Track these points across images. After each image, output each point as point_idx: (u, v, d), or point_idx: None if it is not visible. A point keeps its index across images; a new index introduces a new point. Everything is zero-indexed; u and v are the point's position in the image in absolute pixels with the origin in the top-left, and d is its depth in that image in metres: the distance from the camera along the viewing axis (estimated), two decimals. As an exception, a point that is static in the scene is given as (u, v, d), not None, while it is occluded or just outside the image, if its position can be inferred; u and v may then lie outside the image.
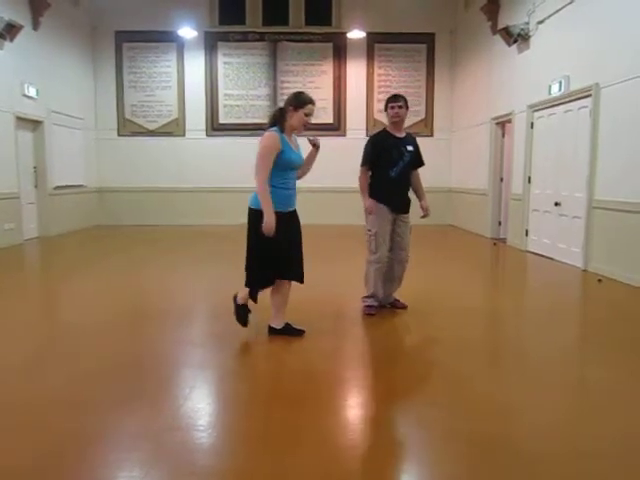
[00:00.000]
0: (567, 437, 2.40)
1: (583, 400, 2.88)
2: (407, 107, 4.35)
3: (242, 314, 3.78)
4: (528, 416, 2.61)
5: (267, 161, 3.45)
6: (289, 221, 3.59)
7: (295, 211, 3.70)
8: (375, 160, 4.33)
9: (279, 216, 3.45)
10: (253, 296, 3.73)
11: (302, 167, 3.74)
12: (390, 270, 4.44)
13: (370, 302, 4.43)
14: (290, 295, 3.76)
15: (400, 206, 4.38)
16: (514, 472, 2.12)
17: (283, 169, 3.52)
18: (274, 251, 3.49)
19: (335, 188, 11.05)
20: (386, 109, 4.37)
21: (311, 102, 3.55)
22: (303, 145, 3.68)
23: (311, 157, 3.75)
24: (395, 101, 4.31)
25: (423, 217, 4.50)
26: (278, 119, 3.56)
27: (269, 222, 3.38)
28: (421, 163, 4.53)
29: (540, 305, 5.02)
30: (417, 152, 4.45)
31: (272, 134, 3.50)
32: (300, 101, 3.53)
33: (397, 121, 4.33)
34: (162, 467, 2.14)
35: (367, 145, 4.42)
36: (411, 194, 4.48)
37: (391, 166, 4.30)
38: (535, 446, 2.29)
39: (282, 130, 3.54)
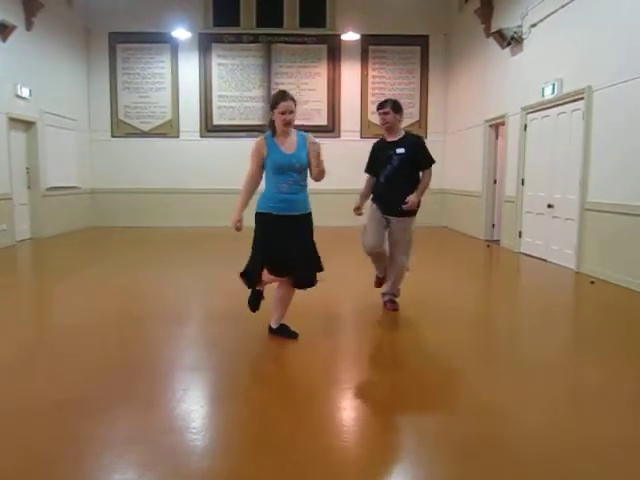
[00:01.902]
0: (559, 438, 2.40)
1: (576, 401, 2.90)
2: (397, 110, 4.30)
3: (253, 299, 3.79)
4: (521, 417, 2.62)
5: (251, 163, 3.63)
6: (278, 223, 3.53)
7: (298, 216, 3.59)
8: (372, 168, 4.45)
9: (265, 217, 3.55)
10: (249, 284, 3.75)
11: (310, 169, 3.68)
12: (387, 269, 4.48)
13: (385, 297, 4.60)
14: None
15: (387, 209, 4.35)
16: (507, 473, 2.12)
17: (273, 172, 3.55)
18: (260, 249, 3.59)
19: (329, 190, 11.00)
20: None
21: (283, 99, 3.49)
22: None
23: (311, 160, 3.60)
24: (381, 107, 4.33)
25: (403, 205, 4.23)
26: (270, 123, 3.62)
27: (233, 218, 3.57)
28: (423, 163, 4.32)
29: (533, 307, 5.04)
30: (413, 153, 4.29)
31: (259, 138, 3.61)
32: (274, 101, 3.54)
33: (387, 127, 4.35)
34: (156, 470, 2.13)
35: (369, 153, 4.54)
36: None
37: (381, 171, 4.35)
38: (528, 447, 2.30)
39: (273, 133, 3.57)
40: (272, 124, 3.58)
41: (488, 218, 9.59)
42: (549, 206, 7.16)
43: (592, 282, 5.79)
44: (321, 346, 3.67)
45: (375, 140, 4.64)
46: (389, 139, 4.39)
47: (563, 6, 6.77)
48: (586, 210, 6.28)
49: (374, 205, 4.43)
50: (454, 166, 11.40)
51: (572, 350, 3.84)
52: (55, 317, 4.75)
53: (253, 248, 3.66)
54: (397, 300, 4.59)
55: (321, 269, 3.68)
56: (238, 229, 3.59)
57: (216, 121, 11.70)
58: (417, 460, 2.27)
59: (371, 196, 4.51)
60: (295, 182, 3.55)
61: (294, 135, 3.60)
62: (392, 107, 4.29)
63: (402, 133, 4.40)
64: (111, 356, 3.46)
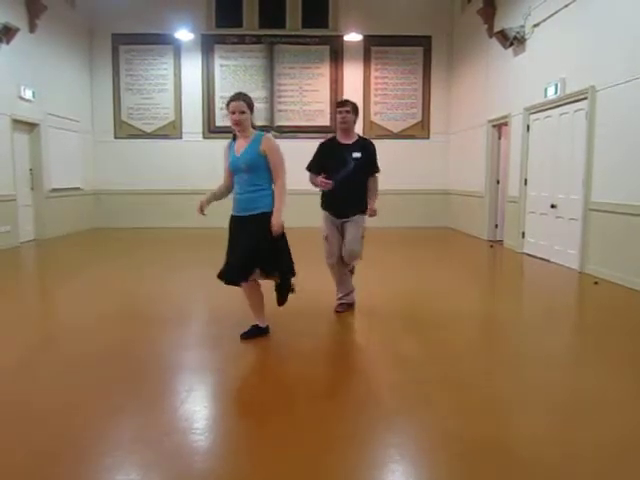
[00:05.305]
0: (562, 442, 2.40)
1: (579, 404, 2.88)
2: (356, 113, 4.29)
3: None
4: (523, 420, 2.61)
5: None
6: (232, 224, 3.67)
7: (245, 218, 3.57)
8: (319, 167, 4.29)
9: (230, 218, 3.68)
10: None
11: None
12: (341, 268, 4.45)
13: (339, 301, 4.53)
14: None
15: (342, 213, 4.32)
16: (509, 476, 2.11)
17: (231, 174, 3.66)
18: (227, 251, 3.73)
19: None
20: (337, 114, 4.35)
21: (233, 99, 3.56)
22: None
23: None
24: (342, 106, 4.29)
25: (370, 216, 4.34)
26: None
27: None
28: (373, 170, 4.34)
29: (536, 307, 5.03)
30: (368, 158, 4.29)
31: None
32: (227, 102, 3.60)
33: (345, 127, 4.29)
34: (159, 471, 2.14)
35: (316, 151, 4.42)
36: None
37: (334, 174, 4.21)
38: (530, 450, 2.28)
39: (235, 137, 3.65)
40: None
41: (491, 218, 9.57)
42: (552, 206, 7.15)
43: (596, 282, 5.77)
44: (321, 348, 3.67)
45: (323, 140, 4.50)
46: (343, 141, 4.33)
47: (566, 6, 6.76)
48: (590, 210, 6.27)
49: (326, 212, 4.38)
50: (457, 166, 11.39)
51: (576, 352, 3.83)
52: (58, 318, 4.76)
53: None
54: (348, 301, 4.54)
55: (241, 267, 3.58)
56: (200, 210, 3.68)
57: (219, 122, 11.71)
58: (419, 461, 2.27)
59: (320, 203, 4.43)
60: (245, 182, 3.57)
61: (252, 136, 3.59)
62: (352, 107, 4.27)
63: (356, 137, 4.36)
64: (114, 357, 3.46)
